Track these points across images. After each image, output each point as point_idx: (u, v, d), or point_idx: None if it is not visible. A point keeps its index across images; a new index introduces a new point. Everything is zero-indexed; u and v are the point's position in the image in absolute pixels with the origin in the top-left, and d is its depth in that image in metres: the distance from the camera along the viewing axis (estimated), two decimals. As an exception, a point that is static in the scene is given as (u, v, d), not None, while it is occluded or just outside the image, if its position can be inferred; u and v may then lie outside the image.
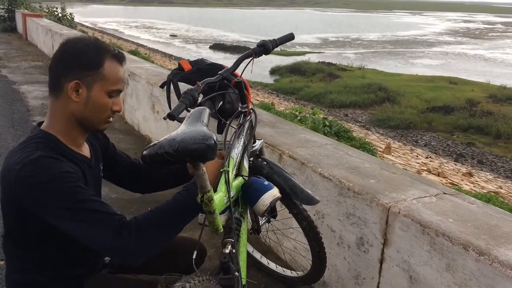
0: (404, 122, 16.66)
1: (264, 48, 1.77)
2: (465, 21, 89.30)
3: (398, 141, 15.02)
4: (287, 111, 9.14)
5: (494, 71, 29.71)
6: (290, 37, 1.88)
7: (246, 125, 1.75)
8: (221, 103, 2.15)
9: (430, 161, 12.45)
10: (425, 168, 10.49)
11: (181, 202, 1.31)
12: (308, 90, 21.03)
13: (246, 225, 1.63)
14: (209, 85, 1.76)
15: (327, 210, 2.04)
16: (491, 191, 9.53)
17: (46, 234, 1.27)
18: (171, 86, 2.75)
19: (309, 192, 1.73)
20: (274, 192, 1.54)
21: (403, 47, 42.23)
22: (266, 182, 1.56)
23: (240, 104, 1.76)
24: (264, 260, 2.29)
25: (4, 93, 6.45)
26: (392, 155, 10.84)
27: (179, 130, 1.23)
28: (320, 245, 1.83)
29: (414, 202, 1.75)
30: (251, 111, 1.79)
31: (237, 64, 1.73)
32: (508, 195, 9.59)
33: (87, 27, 36.72)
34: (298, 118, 7.88)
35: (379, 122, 16.89)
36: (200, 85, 1.54)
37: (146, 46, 32.85)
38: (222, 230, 1.34)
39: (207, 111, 1.39)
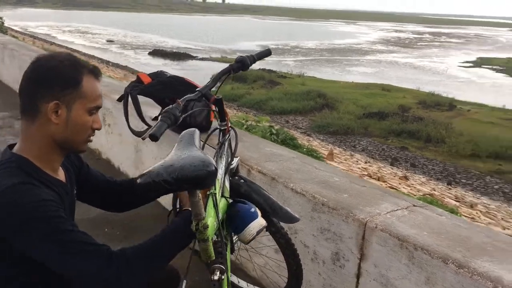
0: (342, 128, 17.19)
1: (242, 64, 1.75)
2: (396, 31, 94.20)
3: (338, 147, 15.49)
4: (233, 119, 9.12)
5: (423, 78, 31.49)
6: (267, 52, 1.88)
7: (226, 144, 1.71)
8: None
9: (369, 166, 12.93)
10: (366, 173, 10.87)
11: (168, 234, 1.28)
12: (249, 97, 21.18)
13: (229, 248, 1.59)
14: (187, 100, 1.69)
15: (300, 226, 2.03)
16: (426, 194, 10.06)
17: (27, 265, 1.17)
18: (129, 100, 2.66)
19: (289, 210, 1.72)
20: (261, 221, 1.51)
21: (339, 55, 43.76)
22: (252, 209, 1.52)
23: (219, 122, 1.71)
24: (235, 279, 2.24)
25: None
26: (335, 161, 11.14)
27: (173, 155, 1.17)
28: (297, 262, 1.82)
29: (389, 216, 1.78)
30: (230, 128, 1.75)
31: (215, 80, 1.69)
32: (441, 197, 10.17)
33: (16, 31, 34.73)
34: (245, 126, 7.89)
35: (319, 128, 17.33)
36: (180, 102, 1.48)
37: (81, 51, 31.63)
38: (214, 258, 1.29)
39: (198, 133, 1.34)
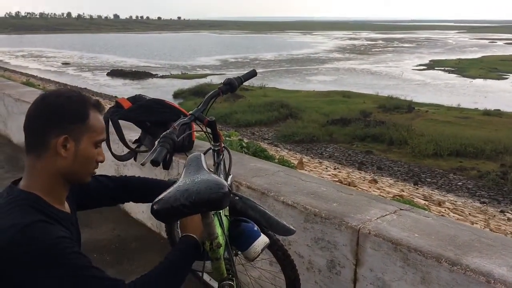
0: (308, 136, 17.41)
1: (231, 86, 1.81)
2: (350, 39, 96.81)
3: (306, 155, 15.68)
4: (203, 136, 9.12)
5: (381, 83, 32.43)
6: (253, 73, 1.94)
7: (222, 164, 1.75)
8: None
9: (339, 172, 13.16)
10: (337, 179, 11.08)
11: (177, 260, 1.32)
12: (213, 112, 20.71)
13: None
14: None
15: (293, 237, 2.07)
16: (396, 195, 10.34)
17: None
18: (110, 125, 2.65)
19: (285, 223, 1.76)
20: (264, 239, 1.57)
21: (298, 65, 44.52)
22: (255, 228, 1.57)
23: (212, 143, 1.75)
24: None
25: None
26: (305, 170, 11.29)
27: (186, 180, 1.20)
28: (294, 272, 1.87)
29: (379, 222, 1.86)
30: (224, 148, 1.79)
31: (206, 103, 1.74)
32: (410, 197, 10.47)
33: (-35, 58, 33.55)
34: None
35: (285, 138, 17.50)
36: (176, 127, 1.52)
37: (37, 76, 30.86)
38: (226, 275, 1.33)
39: (204, 156, 1.37)
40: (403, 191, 11.47)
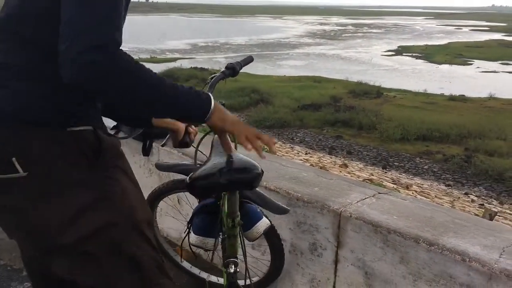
0: (279, 121, 17.52)
1: (233, 70, 1.84)
2: (321, 24, 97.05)
3: (278, 140, 15.82)
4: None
5: (351, 68, 32.80)
6: (250, 59, 1.97)
7: None
8: None
9: (310, 157, 13.35)
10: (308, 164, 11.26)
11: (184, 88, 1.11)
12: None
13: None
14: None
15: (275, 222, 2.12)
16: (366, 179, 10.60)
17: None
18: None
19: (279, 203, 1.83)
20: (266, 221, 1.64)
21: (269, 50, 44.43)
22: (258, 209, 1.63)
23: None
24: (214, 278, 2.31)
25: None
26: (277, 155, 11.40)
27: (219, 159, 1.26)
28: (280, 245, 1.96)
29: (360, 205, 1.93)
30: None
31: (212, 86, 1.76)
32: (379, 181, 10.76)
33: None
34: (189, 128, 7.89)
35: (256, 123, 17.51)
36: None
37: None
38: (237, 253, 1.41)
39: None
40: (373, 175, 11.76)
